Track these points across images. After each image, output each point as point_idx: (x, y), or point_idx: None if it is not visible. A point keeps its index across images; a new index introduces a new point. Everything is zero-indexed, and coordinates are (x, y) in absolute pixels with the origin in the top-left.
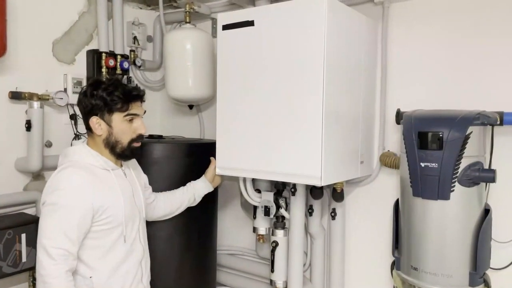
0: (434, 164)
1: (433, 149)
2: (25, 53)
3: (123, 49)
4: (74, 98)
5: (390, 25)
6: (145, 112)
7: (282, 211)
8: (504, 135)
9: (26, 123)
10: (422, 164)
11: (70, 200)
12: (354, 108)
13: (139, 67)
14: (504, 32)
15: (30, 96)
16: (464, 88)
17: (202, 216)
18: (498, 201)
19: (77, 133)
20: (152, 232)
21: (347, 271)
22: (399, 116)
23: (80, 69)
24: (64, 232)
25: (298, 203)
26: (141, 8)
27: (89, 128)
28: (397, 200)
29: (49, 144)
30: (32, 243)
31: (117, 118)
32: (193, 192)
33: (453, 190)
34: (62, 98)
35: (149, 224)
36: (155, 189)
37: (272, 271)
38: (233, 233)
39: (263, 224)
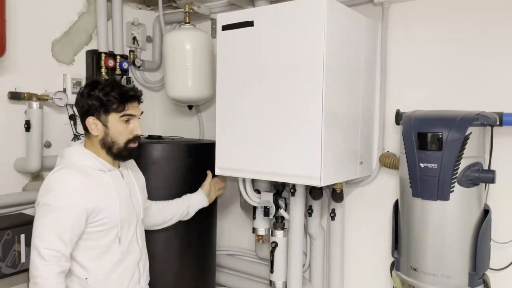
0: (433, 165)
1: (432, 150)
2: (24, 54)
3: (122, 49)
4: (73, 99)
5: (389, 25)
6: (142, 113)
7: (282, 211)
8: (504, 135)
9: (25, 124)
10: (422, 165)
11: (63, 201)
12: (354, 109)
13: (139, 67)
14: (503, 33)
15: (29, 97)
16: (464, 89)
17: (202, 217)
18: (498, 201)
19: (76, 134)
20: (152, 233)
21: (347, 272)
22: (398, 116)
23: (79, 70)
24: (57, 233)
25: (297, 204)
26: (140, 9)
27: (86, 129)
28: (397, 201)
29: (48, 145)
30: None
31: (113, 119)
32: (187, 205)
33: (452, 191)
34: (61, 99)
35: None
36: (154, 190)
37: (272, 271)
38: (232, 233)
39: (262, 225)
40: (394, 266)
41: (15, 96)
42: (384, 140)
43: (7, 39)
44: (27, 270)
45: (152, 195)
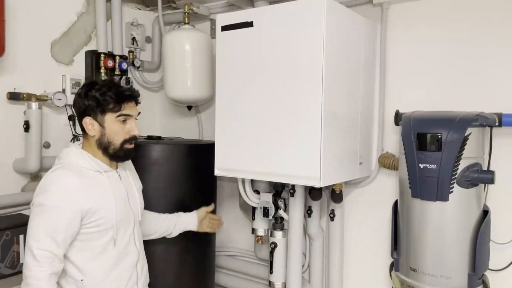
0: (433, 165)
1: (431, 151)
2: (23, 54)
3: (121, 50)
4: (72, 99)
5: (389, 26)
6: (139, 113)
7: (281, 212)
8: (503, 136)
9: (24, 124)
10: (421, 165)
11: (57, 202)
12: (353, 109)
13: (138, 68)
14: (503, 34)
15: (29, 97)
16: (463, 90)
17: None
18: (497, 202)
19: (76, 134)
20: None
21: (346, 272)
22: (398, 117)
23: (78, 70)
24: (50, 234)
25: (297, 204)
26: (139, 9)
27: (83, 129)
28: (396, 201)
29: (47, 145)
30: None
31: (110, 119)
32: (175, 222)
33: (451, 191)
34: (60, 99)
35: None
36: (154, 190)
37: (271, 272)
38: (231, 234)
39: (262, 225)
40: (394, 266)
41: (14, 97)
42: (383, 140)
43: (6, 39)
44: None
45: (152, 195)
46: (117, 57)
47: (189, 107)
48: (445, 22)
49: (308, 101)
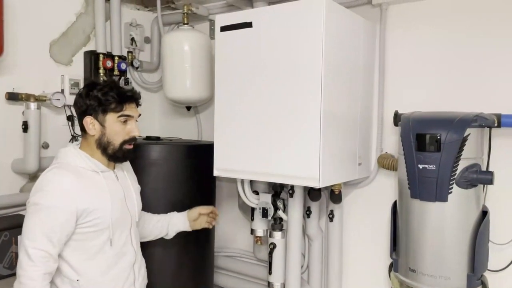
0: (432, 166)
1: (431, 151)
2: (22, 54)
3: (120, 50)
4: (71, 99)
5: (388, 26)
6: (140, 115)
7: (280, 213)
8: (502, 137)
9: (22, 124)
10: (420, 166)
11: (53, 201)
12: (352, 110)
13: (137, 68)
14: (502, 34)
15: (27, 97)
16: (462, 90)
17: None
18: (496, 203)
19: (74, 134)
20: None
21: (345, 273)
22: (397, 118)
23: (77, 70)
24: (45, 233)
25: (296, 205)
26: (138, 9)
27: (83, 129)
28: (395, 202)
29: (46, 146)
30: None
31: (111, 119)
32: (168, 223)
33: (451, 192)
34: (59, 99)
35: None
36: (153, 191)
37: (270, 273)
38: (230, 235)
39: (261, 226)
40: (393, 267)
41: (12, 97)
42: (382, 141)
43: (5, 39)
44: None
45: (151, 196)
46: (116, 58)
47: (188, 108)
48: (444, 22)
49: (307, 101)
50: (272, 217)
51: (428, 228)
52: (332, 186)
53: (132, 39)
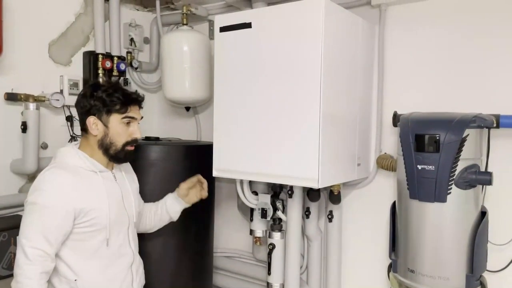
0: (431, 167)
1: (429, 152)
2: (21, 54)
3: (119, 50)
4: (70, 100)
5: (387, 27)
6: (142, 118)
7: (279, 213)
8: (501, 137)
9: (21, 125)
10: (419, 167)
11: (50, 201)
12: (351, 111)
13: (136, 68)
14: (501, 35)
15: (26, 98)
16: (461, 91)
17: (199, 218)
18: (495, 203)
19: (73, 135)
20: (148, 234)
21: (344, 274)
22: (396, 118)
23: (76, 71)
24: (43, 232)
25: (295, 206)
26: (138, 10)
27: (84, 129)
28: (394, 203)
29: (44, 146)
30: None
31: (115, 120)
32: (166, 211)
33: (449, 193)
34: (58, 100)
35: None
36: (152, 191)
37: (269, 273)
38: (229, 235)
39: (260, 227)
40: (392, 268)
41: (11, 97)
42: (381, 142)
43: (4, 40)
44: None
45: (150, 196)
46: (115, 58)
47: (187, 108)
48: (443, 23)
49: (306, 102)
50: (271, 218)
51: (427, 229)
52: (331, 186)
53: (131, 40)
